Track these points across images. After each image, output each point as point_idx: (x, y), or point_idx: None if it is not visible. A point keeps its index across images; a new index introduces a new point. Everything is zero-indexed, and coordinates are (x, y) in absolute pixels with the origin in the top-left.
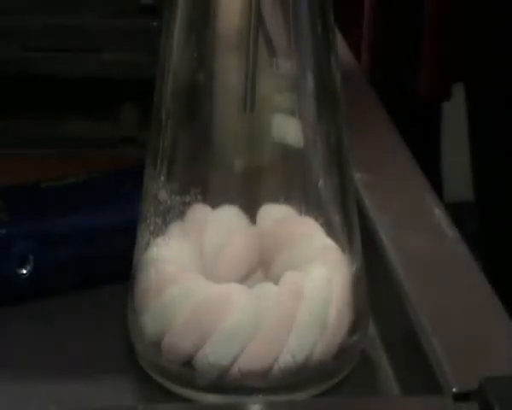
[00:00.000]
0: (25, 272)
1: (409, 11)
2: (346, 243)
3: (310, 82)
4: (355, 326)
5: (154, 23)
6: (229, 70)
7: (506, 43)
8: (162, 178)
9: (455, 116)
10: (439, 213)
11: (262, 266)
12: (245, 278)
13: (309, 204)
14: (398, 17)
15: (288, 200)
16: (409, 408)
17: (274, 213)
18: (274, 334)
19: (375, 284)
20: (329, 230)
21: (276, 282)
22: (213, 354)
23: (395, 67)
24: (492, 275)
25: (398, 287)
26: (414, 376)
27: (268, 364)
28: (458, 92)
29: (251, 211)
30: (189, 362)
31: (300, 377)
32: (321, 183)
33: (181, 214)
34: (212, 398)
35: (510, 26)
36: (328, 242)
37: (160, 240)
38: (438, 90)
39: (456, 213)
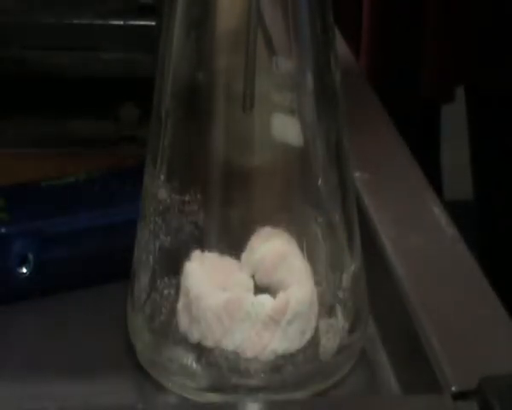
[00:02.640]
0: (25, 271)
1: (408, 11)
2: (346, 243)
3: (309, 81)
4: (355, 325)
5: (154, 23)
6: (228, 69)
7: (506, 43)
8: (162, 176)
9: (455, 116)
10: (438, 213)
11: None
12: None
13: (309, 204)
14: (398, 17)
15: (287, 199)
16: (408, 407)
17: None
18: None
19: (375, 284)
20: (329, 229)
21: None
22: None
23: (394, 67)
24: (492, 275)
25: (398, 286)
26: (414, 375)
27: (265, 354)
28: (458, 92)
29: (250, 211)
30: (188, 362)
31: (300, 376)
32: (321, 182)
33: (180, 214)
34: (212, 398)
35: (510, 27)
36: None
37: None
38: (439, 91)
39: (456, 211)
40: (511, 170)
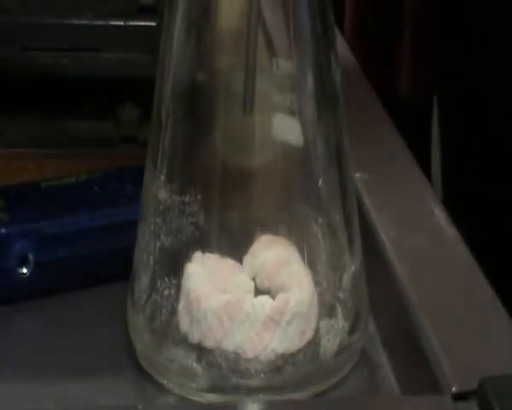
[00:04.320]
0: (25, 271)
1: (388, 10)
2: (346, 243)
3: (309, 81)
4: (355, 326)
5: (154, 23)
6: (228, 70)
7: (505, 42)
8: (162, 177)
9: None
10: (438, 213)
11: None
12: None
13: (309, 204)
14: (378, 16)
15: (287, 200)
16: (408, 408)
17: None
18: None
19: (375, 284)
20: (329, 230)
21: None
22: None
23: (376, 66)
24: (492, 275)
25: (398, 286)
26: (414, 375)
27: (265, 354)
28: None
29: (251, 212)
30: (189, 362)
31: (300, 376)
32: (321, 182)
33: (181, 214)
34: (212, 398)
35: (508, 26)
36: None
37: None
38: (419, 91)
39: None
40: (510, 170)
